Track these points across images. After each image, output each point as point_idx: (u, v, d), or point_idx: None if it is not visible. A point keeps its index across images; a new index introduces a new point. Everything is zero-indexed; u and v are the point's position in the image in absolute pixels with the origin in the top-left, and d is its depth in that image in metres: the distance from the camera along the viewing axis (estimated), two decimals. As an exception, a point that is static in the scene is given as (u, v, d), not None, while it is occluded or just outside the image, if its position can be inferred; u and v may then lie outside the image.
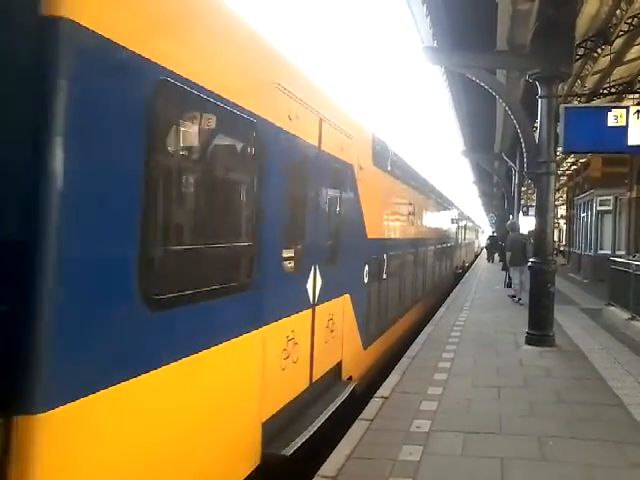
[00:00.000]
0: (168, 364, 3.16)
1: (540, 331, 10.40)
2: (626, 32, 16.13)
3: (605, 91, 21.32)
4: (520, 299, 16.27)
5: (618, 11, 14.54)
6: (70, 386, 2.51)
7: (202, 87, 3.44)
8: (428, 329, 12.22)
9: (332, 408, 5.95)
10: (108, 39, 2.65)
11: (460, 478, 4.82)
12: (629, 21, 15.64)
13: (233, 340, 3.97)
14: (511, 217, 25.28)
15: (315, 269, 5.83)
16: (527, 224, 42.34)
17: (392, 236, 10.50)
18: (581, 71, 19.23)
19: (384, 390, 7.43)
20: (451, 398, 7.10)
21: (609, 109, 11.63)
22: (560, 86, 12.16)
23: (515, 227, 18.23)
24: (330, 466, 5.05)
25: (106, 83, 2.71)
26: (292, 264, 5.45)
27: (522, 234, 18.19)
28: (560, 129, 11.39)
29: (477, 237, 53.34)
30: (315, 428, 5.30)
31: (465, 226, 35.59)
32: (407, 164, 12.10)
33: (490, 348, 10.22)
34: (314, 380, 5.91)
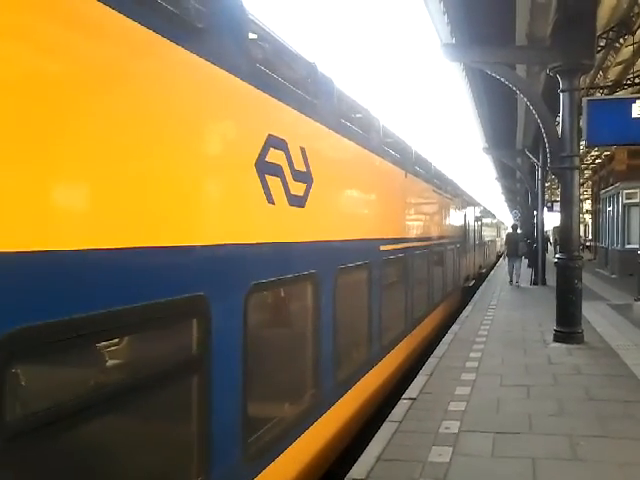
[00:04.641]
0: None
1: (568, 328, 10.25)
2: (649, 21, 15.86)
3: (629, 82, 20.95)
4: (518, 283, 21.38)
5: (640, 0, 14.31)
6: None
7: None
8: (455, 328, 12.13)
9: None
10: None
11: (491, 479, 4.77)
12: (652, 10, 15.37)
13: None
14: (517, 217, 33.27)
15: None
16: (552, 220, 41.86)
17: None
18: (603, 62, 18.97)
19: (412, 391, 7.40)
20: (480, 398, 7.03)
21: (633, 100, 11.42)
22: (582, 79, 11.97)
23: (515, 227, 24.44)
24: (359, 468, 5.05)
25: None
26: None
27: (518, 233, 23.52)
28: (583, 122, 11.23)
29: (499, 235, 52.11)
30: None
31: (481, 222, 29.01)
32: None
33: (518, 346, 10.10)
34: None
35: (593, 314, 13.18)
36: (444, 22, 12.00)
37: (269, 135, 4.42)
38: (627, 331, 11.50)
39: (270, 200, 4.40)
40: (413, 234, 10.52)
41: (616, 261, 25.26)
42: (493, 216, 45.19)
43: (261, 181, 4.27)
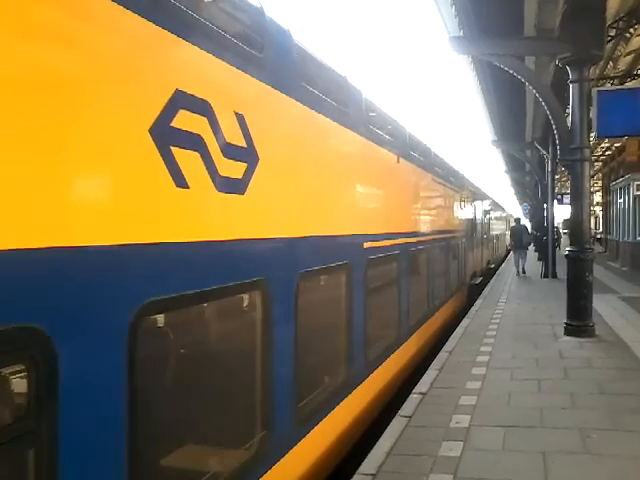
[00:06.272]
0: None
1: (579, 321, 10.19)
2: (659, 10, 15.67)
3: (639, 72, 20.77)
4: (524, 272, 22.64)
5: (650, -11, 14.16)
6: None
7: None
8: (465, 322, 12.10)
9: None
10: None
11: (502, 474, 4.75)
12: (662, -1, 15.18)
13: None
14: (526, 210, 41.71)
15: None
16: (562, 212, 41.62)
17: None
18: (613, 52, 18.81)
19: (422, 386, 7.39)
20: (491, 392, 7.01)
21: (644, 91, 11.32)
22: (591, 69, 11.86)
23: (518, 220, 25.64)
24: (370, 463, 5.05)
25: None
26: None
27: (523, 225, 24.75)
28: (593, 113, 11.15)
29: (509, 228, 51.69)
30: None
31: (490, 215, 27.84)
32: None
33: (529, 340, 10.05)
34: None
35: (604, 307, 13.09)
36: (452, 14, 11.91)
37: (177, 91, 3.10)
38: (639, 324, 11.42)
39: (180, 183, 3.11)
40: (409, 228, 9.16)
41: (627, 253, 25.11)
42: (502, 209, 44.35)
43: (162, 155, 2.97)
